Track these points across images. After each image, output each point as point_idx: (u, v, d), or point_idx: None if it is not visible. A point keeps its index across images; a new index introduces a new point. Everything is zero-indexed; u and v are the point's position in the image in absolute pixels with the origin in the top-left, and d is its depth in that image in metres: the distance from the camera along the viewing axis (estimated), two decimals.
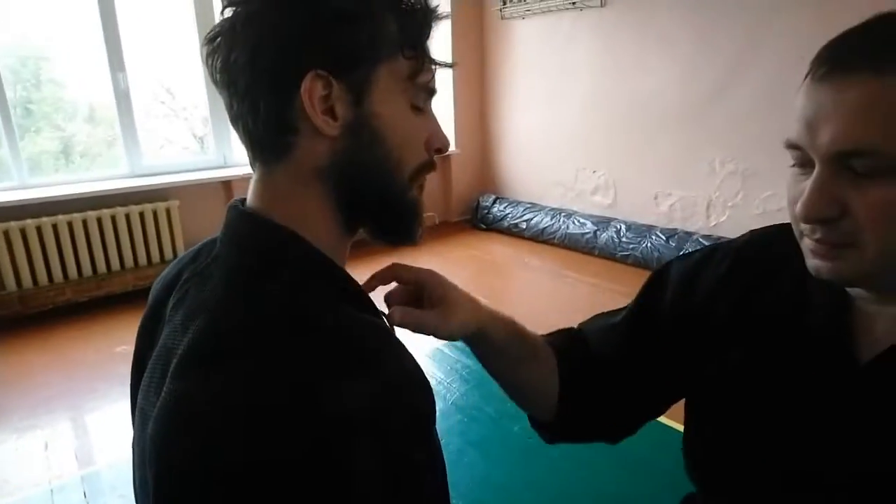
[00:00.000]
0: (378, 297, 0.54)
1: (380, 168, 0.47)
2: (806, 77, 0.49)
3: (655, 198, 3.80)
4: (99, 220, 3.17)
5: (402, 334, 0.52)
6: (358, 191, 0.47)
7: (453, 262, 4.00)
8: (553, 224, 4.22)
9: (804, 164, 0.48)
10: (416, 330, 0.56)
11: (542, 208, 4.39)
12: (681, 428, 2.13)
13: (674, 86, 3.53)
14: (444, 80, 3.67)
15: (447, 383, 2.41)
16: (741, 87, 3.22)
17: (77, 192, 3.08)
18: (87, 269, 3.18)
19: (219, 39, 0.45)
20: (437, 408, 2.22)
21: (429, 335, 0.59)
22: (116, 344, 2.81)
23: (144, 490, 0.41)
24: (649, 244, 3.63)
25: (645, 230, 3.72)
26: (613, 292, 3.40)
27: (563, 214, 4.21)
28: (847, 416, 0.50)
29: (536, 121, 4.47)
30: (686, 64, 3.45)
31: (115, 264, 3.27)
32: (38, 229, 3.01)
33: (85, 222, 3.13)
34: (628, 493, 1.76)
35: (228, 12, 0.44)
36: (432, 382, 2.40)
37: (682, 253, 0.71)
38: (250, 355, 0.38)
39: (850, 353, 0.51)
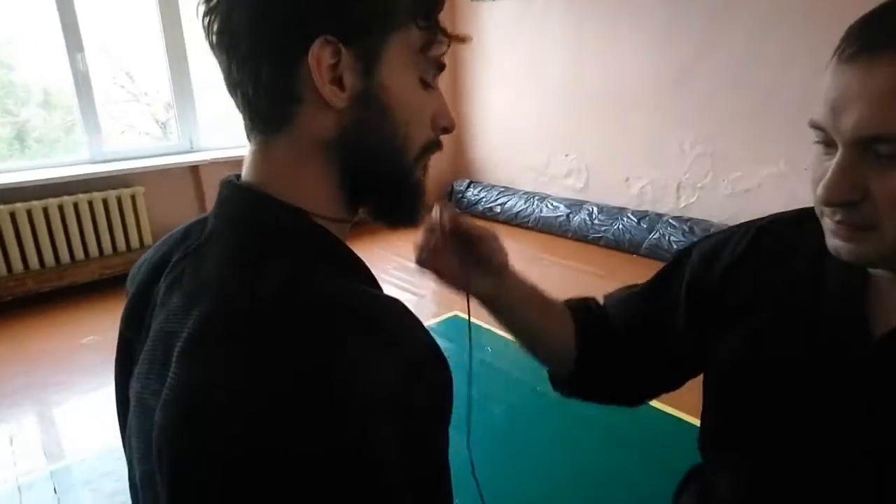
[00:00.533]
0: (387, 274, 0.53)
1: (387, 145, 0.45)
2: (834, 55, 0.48)
3: (626, 180, 3.85)
4: (60, 208, 3.05)
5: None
6: (363, 168, 0.45)
7: None
8: (527, 208, 4.24)
9: (828, 143, 0.48)
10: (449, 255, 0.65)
11: (515, 192, 4.40)
12: (666, 410, 2.16)
13: (643, 68, 3.56)
14: None
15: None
16: (709, 68, 3.26)
17: (36, 178, 2.95)
18: (49, 258, 3.06)
19: None
20: None
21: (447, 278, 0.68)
22: (83, 335, 2.72)
23: (150, 484, 0.39)
24: (621, 226, 3.68)
25: (616, 212, 3.77)
26: (587, 273, 3.44)
27: (536, 198, 4.23)
28: (862, 390, 0.50)
29: (509, 105, 4.46)
30: (655, 46, 3.48)
31: (79, 253, 3.15)
32: None
33: (45, 210, 3.01)
34: (610, 468, 1.79)
35: None
36: None
37: (704, 236, 0.73)
38: (268, 337, 0.36)
39: (866, 328, 0.51)
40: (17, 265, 2.98)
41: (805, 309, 0.55)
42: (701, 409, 0.67)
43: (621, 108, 3.75)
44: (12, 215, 2.92)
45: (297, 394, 0.33)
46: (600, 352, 0.72)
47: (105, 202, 3.19)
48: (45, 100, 3.44)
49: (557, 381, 0.78)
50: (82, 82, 3.19)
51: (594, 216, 3.85)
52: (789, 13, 2.90)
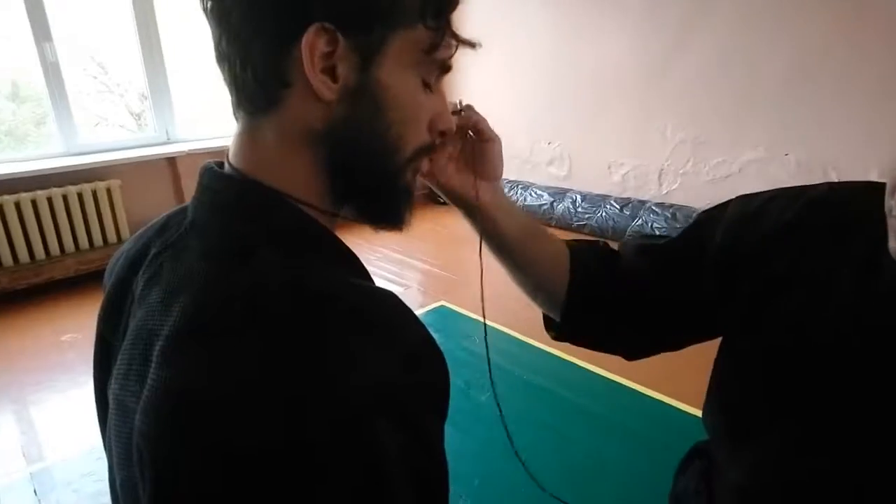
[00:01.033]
0: (371, 266, 0.51)
1: (377, 144, 0.43)
2: None
3: (609, 168, 3.86)
4: (34, 202, 2.97)
5: None
6: (350, 164, 0.43)
7: (414, 236, 3.97)
8: (511, 196, 4.23)
9: None
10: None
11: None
12: (656, 396, 2.17)
13: (625, 55, 3.56)
14: None
15: None
16: (690, 55, 3.27)
17: (7, 172, 2.86)
18: (23, 254, 2.98)
19: None
20: None
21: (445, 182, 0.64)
22: (61, 333, 2.66)
23: (130, 490, 0.37)
24: (604, 213, 3.70)
25: (599, 200, 3.78)
26: None
27: (520, 186, 4.23)
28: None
29: (490, 93, 4.43)
30: (636, 33, 3.47)
31: (55, 249, 3.07)
32: None
33: (18, 204, 2.92)
34: (598, 456, 1.81)
35: None
36: None
37: (745, 194, 0.67)
38: (253, 333, 0.34)
39: None
40: None
41: (854, 295, 0.51)
42: (713, 386, 0.63)
43: (603, 95, 3.75)
44: None
45: (289, 394, 0.32)
46: (596, 293, 0.67)
47: (80, 196, 3.11)
48: (13, 92, 3.33)
49: (551, 323, 0.74)
50: (52, 73, 3.09)
51: (578, 204, 3.86)
52: (771, 3, 2.92)
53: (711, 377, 0.64)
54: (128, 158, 3.22)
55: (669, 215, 3.44)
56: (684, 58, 3.30)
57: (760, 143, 3.09)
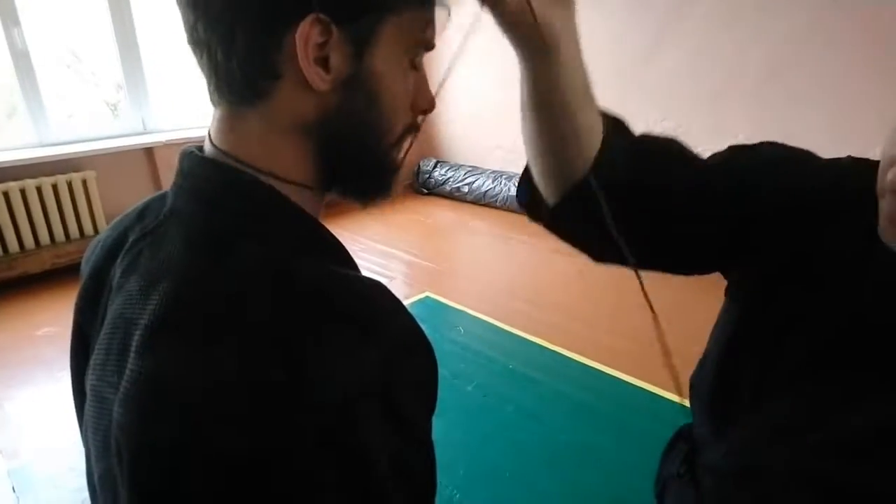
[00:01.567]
0: (355, 257, 0.51)
1: (372, 132, 0.42)
2: None
3: None
4: (6, 195, 2.88)
5: None
6: (344, 153, 0.42)
7: (397, 227, 3.95)
8: (495, 187, 4.23)
9: None
10: None
11: (483, 171, 4.38)
12: (637, 384, 2.18)
13: (608, 45, 3.56)
14: None
15: None
16: (672, 45, 3.29)
17: None
18: None
19: None
20: None
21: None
22: (36, 327, 2.60)
23: (109, 483, 0.36)
24: None
25: None
26: (555, 252, 3.47)
27: (504, 177, 4.22)
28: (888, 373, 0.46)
29: (475, 83, 4.41)
30: (620, 22, 3.48)
31: (29, 242, 3.00)
32: None
33: None
34: (581, 443, 1.83)
35: None
36: None
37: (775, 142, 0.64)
38: (234, 331, 0.33)
39: None
40: None
41: (852, 276, 0.49)
42: (704, 363, 0.62)
43: None
44: None
45: (270, 397, 0.31)
46: (615, 183, 0.58)
47: (55, 187, 3.03)
48: None
49: (536, 201, 0.65)
50: (22, 61, 2.99)
51: None
52: None
53: (704, 355, 0.63)
54: (103, 149, 3.15)
55: None
56: (666, 48, 3.32)
57: (741, 132, 3.12)
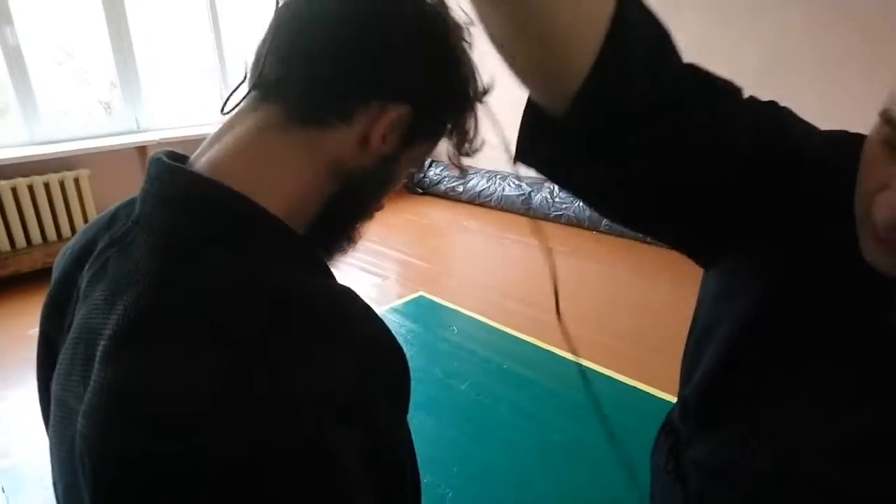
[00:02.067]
0: (349, 257, 0.54)
1: (369, 203, 0.50)
2: None
3: None
4: None
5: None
6: (345, 206, 0.47)
7: (393, 227, 3.95)
8: (489, 187, 4.24)
9: None
10: None
11: (477, 171, 4.39)
12: (631, 383, 2.19)
13: None
14: None
15: None
16: None
17: None
18: None
19: None
20: None
21: None
22: (28, 326, 2.59)
23: (73, 497, 0.35)
24: (580, 204, 3.72)
25: None
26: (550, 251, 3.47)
27: (498, 177, 4.23)
28: (870, 368, 0.45)
29: None
30: None
31: (21, 241, 2.98)
32: None
33: None
34: (575, 442, 1.83)
35: None
36: None
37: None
38: (200, 340, 0.32)
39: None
40: None
41: (837, 266, 0.46)
42: (686, 360, 0.61)
43: None
44: None
45: (242, 395, 0.31)
46: (620, 101, 0.44)
47: (47, 186, 3.01)
48: None
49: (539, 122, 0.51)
50: (14, 58, 2.97)
51: (555, 194, 3.88)
52: None
53: (685, 353, 0.62)
54: (96, 147, 3.13)
55: None
56: None
57: None
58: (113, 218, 0.43)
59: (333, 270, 0.46)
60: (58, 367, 0.39)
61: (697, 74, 0.51)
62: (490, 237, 3.80)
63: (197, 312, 0.33)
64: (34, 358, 0.51)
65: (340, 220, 0.48)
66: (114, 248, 0.39)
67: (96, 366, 0.33)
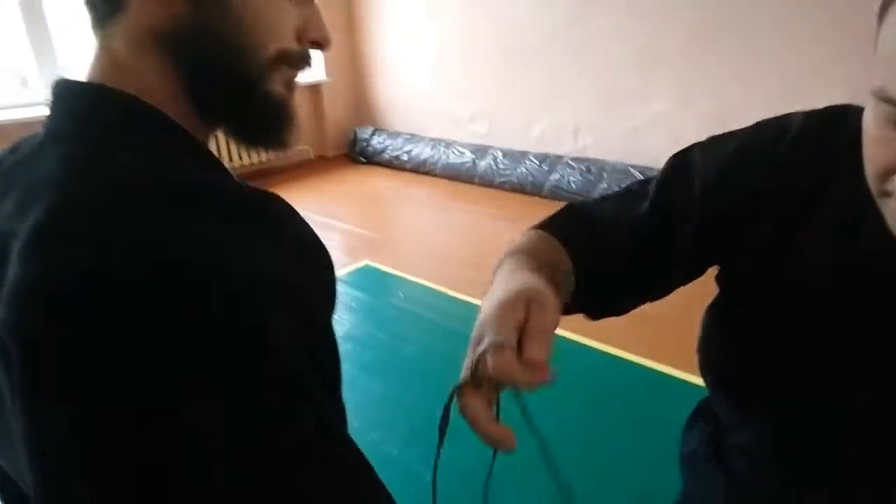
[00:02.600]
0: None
1: (227, 51, 0.41)
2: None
3: (528, 123, 3.93)
4: None
5: None
6: (202, 66, 0.41)
7: (334, 198, 3.90)
8: (434, 155, 4.23)
9: None
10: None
11: (421, 139, 4.36)
12: (572, 338, 2.25)
13: (539, 11, 3.59)
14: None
15: (337, 317, 2.38)
16: (600, 10, 3.35)
17: None
18: None
19: None
20: None
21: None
22: None
23: None
24: (524, 169, 3.78)
25: (519, 156, 3.86)
26: (495, 217, 3.53)
27: (442, 144, 4.22)
28: (881, 345, 0.46)
29: (411, 51, 4.35)
30: None
31: None
32: None
33: None
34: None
35: None
36: None
37: (707, 139, 0.61)
38: (119, 226, 0.32)
39: None
40: None
41: (835, 261, 0.48)
42: (706, 351, 0.60)
43: (519, 52, 3.78)
44: None
45: (166, 274, 0.31)
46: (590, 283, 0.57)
47: None
48: None
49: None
50: None
51: (499, 161, 3.92)
52: None
53: (702, 340, 0.61)
54: (11, 120, 2.94)
55: (584, 169, 3.57)
56: (594, 13, 3.38)
57: (668, 95, 3.24)
58: (15, 147, 0.43)
59: None
60: None
61: (612, 235, 0.60)
62: (436, 205, 3.81)
63: (111, 209, 0.34)
64: None
65: (217, 84, 0.42)
66: (19, 166, 0.40)
67: (13, 263, 0.33)
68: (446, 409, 0.42)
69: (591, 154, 3.67)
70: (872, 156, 0.42)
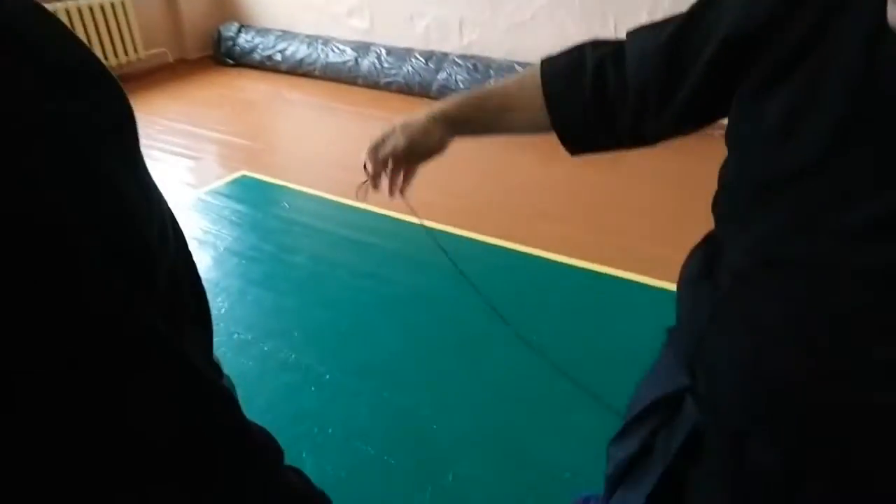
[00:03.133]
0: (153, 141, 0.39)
1: None
2: None
3: (411, 19, 3.69)
4: None
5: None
6: None
7: (202, 105, 3.49)
8: (311, 54, 3.88)
9: None
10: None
11: (295, 36, 3.97)
12: (464, 234, 2.22)
13: None
14: None
15: (216, 231, 2.20)
16: None
17: None
18: None
19: None
20: (209, 257, 2.05)
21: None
22: None
23: None
24: (410, 68, 3.60)
25: (404, 54, 3.65)
26: (384, 120, 3.32)
27: (319, 42, 3.88)
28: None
29: None
30: None
31: None
32: None
33: None
34: (416, 291, 1.89)
35: None
36: (198, 234, 2.18)
37: None
38: None
39: None
40: None
41: (862, 67, 0.46)
42: (721, 173, 0.61)
43: None
44: None
45: None
46: (590, 131, 0.67)
47: None
48: None
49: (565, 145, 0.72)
50: None
51: (383, 59, 3.69)
52: None
53: (722, 166, 0.61)
54: None
55: (471, 66, 3.46)
56: None
57: None
58: None
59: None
60: None
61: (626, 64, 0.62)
62: (317, 108, 3.55)
63: None
64: None
65: None
66: None
67: None
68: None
69: (476, 51, 3.56)
70: None
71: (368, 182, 0.81)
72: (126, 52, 3.61)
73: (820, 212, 0.48)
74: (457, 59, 3.52)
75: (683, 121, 0.62)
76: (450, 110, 0.74)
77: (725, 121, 0.58)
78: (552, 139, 0.70)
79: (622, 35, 0.64)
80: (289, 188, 2.56)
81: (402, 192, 0.81)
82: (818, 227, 0.49)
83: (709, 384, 0.63)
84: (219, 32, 4.12)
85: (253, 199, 2.46)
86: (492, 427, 1.40)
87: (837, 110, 0.48)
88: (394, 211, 2.35)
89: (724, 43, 0.54)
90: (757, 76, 0.53)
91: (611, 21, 3.10)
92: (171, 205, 0.36)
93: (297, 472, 0.49)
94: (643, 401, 0.72)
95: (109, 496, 0.30)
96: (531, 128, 0.71)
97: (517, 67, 3.33)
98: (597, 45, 0.66)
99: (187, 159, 2.78)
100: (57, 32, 0.29)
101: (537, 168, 2.73)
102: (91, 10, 3.36)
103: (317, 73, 3.88)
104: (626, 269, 1.98)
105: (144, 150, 0.34)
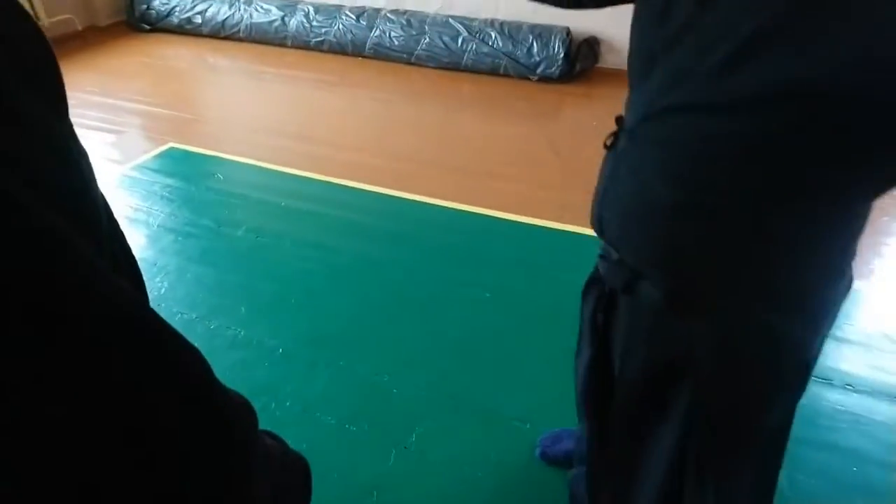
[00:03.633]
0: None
1: None
2: None
3: None
4: None
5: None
6: None
7: (118, 74, 3.24)
8: (233, 14, 3.64)
9: None
10: None
11: None
12: (405, 196, 2.17)
13: None
14: None
15: (147, 208, 2.07)
16: None
17: None
18: None
19: None
20: (142, 236, 1.93)
21: None
22: None
23: None
24: (341, 26, 3.45)
25: (334, 11, 3.49)
26: (317, 81, 3.22)
27: (242, 1, 3.64)
28: None
29: None
30: None
31: None
32: None
33: None
34: (363, 258, 1.85)
35: None
36: (127, 212, 2.05)
37: None
38: None
39: None
40: None
41: None
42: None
43: None
44: None
45: None
46: None
47: None
48: None
49: None
50: None
51: (311, 17, 3.51)
52: None
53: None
54: None
55: (405, 22, 3.35)
56: None
57: None
58: None
59: None
60: None
61: None
62: (246, 74, 3.36)
63: None
64: None
65: None
66: None
67: None
68: None
69: (409, 6, 3.44)
70: None
71: None
72: None
73: (687, 66, 0.54)
74: (389, 15, 3.39)
75: None
76: None
77: None
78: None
79: None
80: (221, 158, 2.43)
81: None
82: (686, 78, 0.55)
83: (608, 235, 0.71)
84: None
85: (184, 172, 2.33)
86: (451, 386, 1.41)
87: None
88: (334, 177, 2.28)
89: None
90: None
91: None
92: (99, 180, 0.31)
93: (272, 435, 0.47)
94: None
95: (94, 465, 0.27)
96: None
97: (452, 22, 3.24)
98: None
99: (108, 133, 2.58)
100: None
101: (479, 126, 2.70)
102: None
103: (241, 35, 3.66)
104: (569, 223, 2.00)
105: (74, 125, 0.30)
